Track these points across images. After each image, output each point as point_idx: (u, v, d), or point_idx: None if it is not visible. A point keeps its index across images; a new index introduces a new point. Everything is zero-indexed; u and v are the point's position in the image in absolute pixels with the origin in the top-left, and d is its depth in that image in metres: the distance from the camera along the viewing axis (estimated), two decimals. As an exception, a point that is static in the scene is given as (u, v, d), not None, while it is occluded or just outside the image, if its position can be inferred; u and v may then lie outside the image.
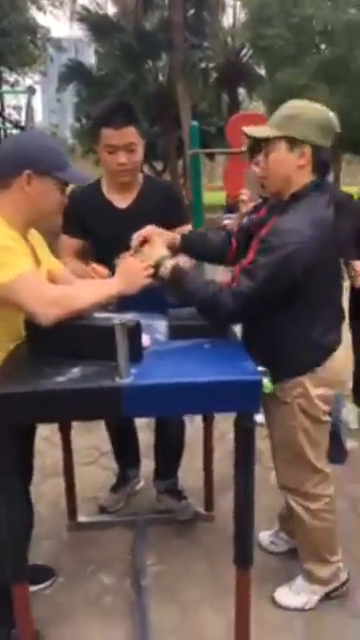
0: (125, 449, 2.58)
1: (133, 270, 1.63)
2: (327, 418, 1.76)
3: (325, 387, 1.72)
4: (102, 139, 1.98)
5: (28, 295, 1.44)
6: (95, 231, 2.11)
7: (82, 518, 2.46)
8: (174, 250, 1.79)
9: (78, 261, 2.20)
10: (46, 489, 2.64)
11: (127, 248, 1.77)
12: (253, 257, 1.56)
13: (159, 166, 20.00)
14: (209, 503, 2.46)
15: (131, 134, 1.96)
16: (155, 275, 1.64)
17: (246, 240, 1.77)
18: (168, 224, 2.13)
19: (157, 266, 1.64)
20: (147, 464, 2.61)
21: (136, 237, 1.76)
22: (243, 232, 1.87)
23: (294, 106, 1.58)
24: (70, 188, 1.83)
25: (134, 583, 2.08)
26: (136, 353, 1.44)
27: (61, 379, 1.36)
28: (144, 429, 2.70)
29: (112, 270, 1.77)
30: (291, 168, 1.58)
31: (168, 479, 2.48)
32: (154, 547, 2.27)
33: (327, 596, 1.96)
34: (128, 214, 2.10)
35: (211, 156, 16.73)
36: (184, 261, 1.77)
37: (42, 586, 2.05)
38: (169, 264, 1.65)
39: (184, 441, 2.43)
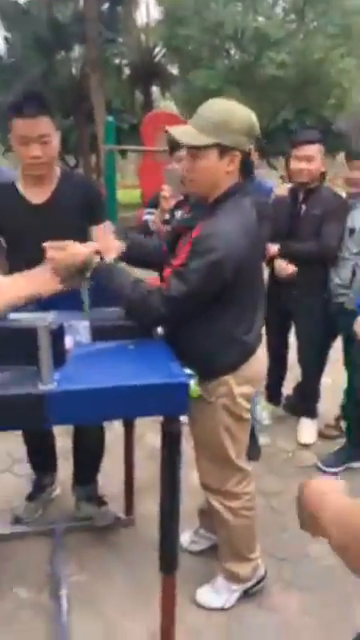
0: (41, 455, 2.47)
1: (52, 271, 1.55)
2: (248, 416, 1.79)
3: (247, 385, 1.74)
4: (14, 130, 1.86)
5: None
6: (7, 227, 2.00)
7: (-4, 530, 2.32)
8: (117, 259, 1.74)
9: None
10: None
11: (43, 245, 1.67)
12: (184, 260, 1.54)
13: (72, 161, 19.53)
14: (129, 507, 2.41)
15: (44, 124, 1.85)
16: (81, 274, 1.57)
17: (173, 240, 1.75)
18: (86, 220, 2.07)
19: (85, 266, 1.56)
20: (64, 470, 2.51)
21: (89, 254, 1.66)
22: (169, 232, 1.85)
23: (223, 110, 1.55)
24: None
25: (53, 595, 2.00)
26: (59, 357, 1.36)
27: (-23, 386, 1.26)
28: (61, 433, 2.61)
29: (25, 269, 1.66)
30: (220, 174, 1.58)
31: (88, 485, 2.41)
32: (73, 556, 2.19)
33: (246, 593, 2.00)
34: (43, 210, 2.00)
35: (123, 153, 16.62)
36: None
37: None
38: (95, 262, 1.58)
39: (104, 445, 2.37)
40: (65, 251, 1.55)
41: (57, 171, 2.06)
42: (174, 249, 1.71)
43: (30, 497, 2.46)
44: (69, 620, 1.88)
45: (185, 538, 2.24)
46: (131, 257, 1.82)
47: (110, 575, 2.12)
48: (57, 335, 1.36)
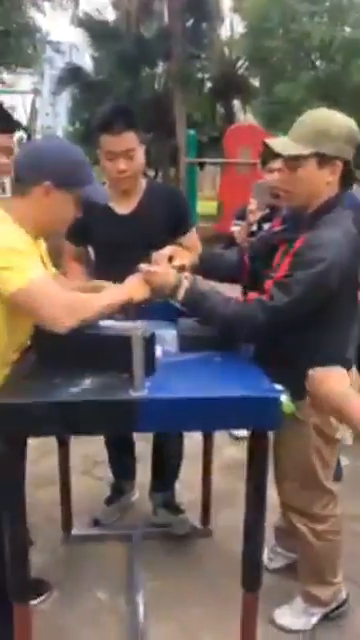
0: (122, 460, 2.52)
1: (148, 280, 1.60)
2: (339, 437, 1.73)
3: None
4: (102, 146, 1.94)
5: (44, 300, 1.39)
6: (96, 238, 2.07)
7: (76, 531, 2.39)
8: (192, 272, 1.76)
9: (80, 266, 2.16)
10: (38, 499, 2.57)
11: (130, 255, 1.71)
12: (287, 271, 1.52)
13: (151, 173, 20.02)
14: (206, 518, 2.41)
15: (130, 140, 1.91)
16: (171, 296, 1.61)
17: (265, 252, 1.74)
18: (173, 230, 2.10)
19: (175, 287, 1.59)
20: (143, 476, 2.55)
21: (160, 256, 1.71)
22: (261, 244, 1.84)
23: (321, 118, 1.53)
24: None
25: (129, 600, 2.03)
26: (150, 365, 1.39)
27: (75, 390, 1.31)
28: (140, 440, 2.65)
29: (113, 279, 1.72)
30: (320, 185, 1.55)
31: (165, 492, 2.43)
32: (150, 563, 2.22)
33: (326, 616, 1.93)
34: (130, 220, 2.06)
35: (201, 166, 16.81)
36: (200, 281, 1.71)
37: (37, 601, 1.97)
38: (186, 284, 1.60)
39: (182, 454, 2.38)
40: (157, 271, 1.60)
41: (143, 183, 2.12)
42: (267, 263, 1.69)
43: (109, 501, 2.52)
44: (145, 625, 1.89)
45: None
46: (204, 269, 1.81)
47: (186, 584, 2.12)
48: (149, 343, 1.39)
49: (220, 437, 2.54)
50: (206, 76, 17.68)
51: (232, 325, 1.57)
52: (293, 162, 1.54)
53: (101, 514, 2.47)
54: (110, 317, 1.80)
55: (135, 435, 2.54)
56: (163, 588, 2.10)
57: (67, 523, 2.36)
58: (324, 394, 1.12)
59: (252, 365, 1.52)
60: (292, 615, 1.92)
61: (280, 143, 1.55)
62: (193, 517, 2.42)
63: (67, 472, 2.32)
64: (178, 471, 2.40)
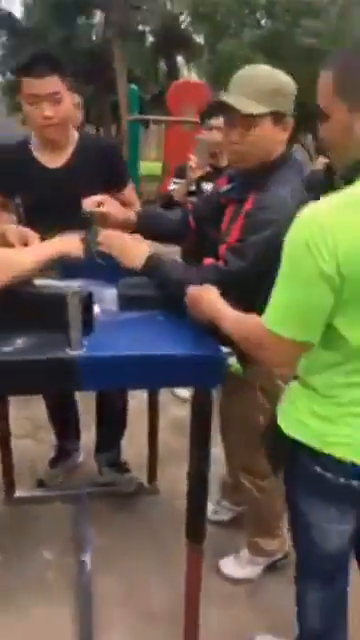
0: (65, 421, 2.49)
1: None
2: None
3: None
4: (23, 89, 1.79)
5: None
6: (23, 192, 1.94)
7: (19, 493, 2.37)
8: (129, 229, 1.70)
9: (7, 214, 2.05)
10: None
11: (60, 211, 1.66)
12: (240, 235, 1.48)
13: (92, 131, 19.34)
14: (152, 476, 2.44)
15: (54, 83, 1.78)
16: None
17: (212, 213, 1.68)
18: (107, 186, 2.02)
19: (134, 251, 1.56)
20: (88, 439, 2.54)
21: (90, 203, 1.64)
22: (206, 205, 1.78)
23: (273, 76, 1.46)
24: None
25: (77, 558, 2.04)
26: (87, 324, 1.35)
27: (7, 349, 1.26)
28: (84, 401, 2.63)
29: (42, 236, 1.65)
30: (275, 142, 1.51)
31: (110, 451, 2.43)
32: (97, 521, 2.23)
33: (273, 566, 2.01)
34: (60, 174, 1.94)
35: (146, 125, 16.38)
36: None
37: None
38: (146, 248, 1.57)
39: (127, 411, 2.38)
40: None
41: (75, 135, 2.00)
42: (215, 224, 1.64)
43: (52, 463, 2.50)
44: (93, 581, 1.92)
45: (208, 508, 2.27)
46: (141, 226, 1.76)
47: (133, 541, 2.15)
48: (86, 302, 1.34)
49: (165, 397, 2.55)
50: (147, 29, 17.05)
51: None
52: (249, 120, 1.45)
53: (45, 475, 2.45)
54: (46, 277, 1.74)
55: (78, 396, 2.52)
56: (110, 544, 2.13)
57: (9, 486, 2.33)
58: (202, 308, 1.36)
59: (194, 325, 1.51)
60: (237, 565, 1.99)
61: (236, 101, 1.48)
62: (140, 476, 2.45)
63: (7, 434, 2.27)
64: (123, 430, 2.40)
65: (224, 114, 1.53)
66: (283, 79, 1.48)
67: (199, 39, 16.65)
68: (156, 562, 2.03)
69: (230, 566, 1.99)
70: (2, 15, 16.65)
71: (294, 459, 1.22)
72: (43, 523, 2.24)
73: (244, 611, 1.87)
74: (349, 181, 1.08)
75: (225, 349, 1.42)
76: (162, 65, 18.56)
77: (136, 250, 1.57)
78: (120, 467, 2.42)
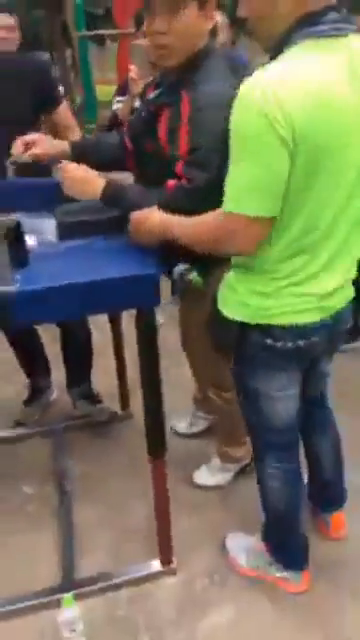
0: (32, 360, 2.49)
1: None
2: None
3: None
4: None
5: None
6: None
7: (-3, 433, 2.41)
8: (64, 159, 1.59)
9: None
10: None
11: None
12: (189, 144, 1.37)
13: (45, 57, 18.16)
14: (125, 403, 2.48)
15: None
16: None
17: (145, 125, 1.54)
18: (38, 107, 1.89)
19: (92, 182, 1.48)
20: (59, 373, 2.55)
21: (19, 144, 1.55)
22: (137, 119, 1.64)
23: None
24: None
25: (57, 488, 2.10)
26: (19, 257, 1.31)
27: None
28: (50, 338, 2.62)
29: None
30: (200, 32, 1.38)
31: (81, 384, 2.45)
32: (75, 452, 2.29)
33: (242, 471, 2.09)
34: None
35: (102, 43, 15.29)
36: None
37: None
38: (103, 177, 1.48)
39: (91, 343, 2.38)
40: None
41: None
42: (151, 136, 1.50)
43: (27, 402, 2.52)
44: (73, 508, 1.99)
45: (182, 425, 2.33)
46: (77, 159, 1.61)
47: (111, 466, 2.22)
48: (14, 234, 1.29)
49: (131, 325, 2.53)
50: None
51: None
52: (173, 6, 1.32)
53: (21, 415, 2.48)
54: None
55: (43, 333, 2.50)
56: (89, 472, 2.19)
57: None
58: (147, 229, 1.37)
59: (137, 246, 1.47)
60: (209, 473, 2.07)
61: None
62: (113, 405, 2.48)
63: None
64: (90, 362, 2.41)
65: (149, 3, 1.39)
66: None
67: None
68: (133, 483, 2.10)
69: (203, 476, 2.07)
70: None
71: (243, 339, 1.32)
72: (22, 460, 2.29)
73: (216, 514, 1.97)
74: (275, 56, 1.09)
75: (182, 265, 1.40)
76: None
77: (93, 181, 1.48)
78: (93, 399, 2.45)
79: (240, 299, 1.29)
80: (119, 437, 2.38)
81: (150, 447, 1.53)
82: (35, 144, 1.58)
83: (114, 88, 3.14)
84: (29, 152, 1.56)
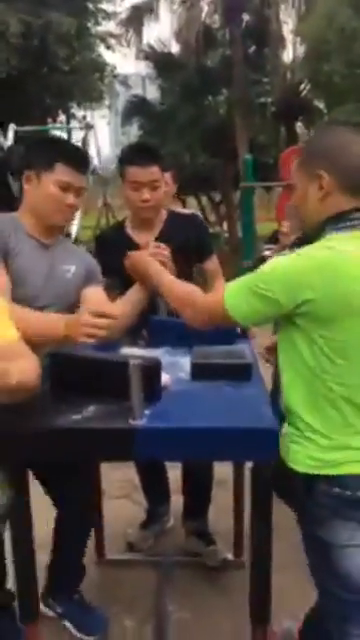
0: (154, 485, 2.54)
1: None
2: None
3: None
4: (127, 176, 2.03)
5: None
6: (116, 268, 2.05)
7: (110, 555, 2.42)
8: None
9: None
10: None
11: None
12: None
13: (217, 197, 20.22)
14: (239, 549, 2.36)
15: (155, 172, 2.01)
16: None
17: None
18: (193, 256, 2.14)
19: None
20: (178, 502, 2.55)
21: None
22: None
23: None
24: (99, 230, 1.90)
25: (155, 629, 2.01)
26: (154, 393, 1.41)
27: (76, 418, 1.36)
28: (175, 466, 2.65)
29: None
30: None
31: (197, 519, 2.41)
32: (179, 592, 2.19)
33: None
34: None
35: (268, 188, 16.73)
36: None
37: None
38: None
39: (212, 480, 2.36)
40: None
41: (164, 214, 2.18)
42: None
43: (143, 525, 2.53)
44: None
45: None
46: None
47: (213, 617, 2.08)
48: (153, 372, 1.41)
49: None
50: (269, 100, 17.75)
51: None
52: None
53: (135, 538, 2.48)
54: (134, 344, 1.86)
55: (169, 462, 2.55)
56: (190, 619, 2.07)
57: (100, 547, 2.39)
58: (143, 270, 1.77)
59: (262, 394, 1.51)
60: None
61: None
62: (226, 547, 2.38)
63: (99, 497, 2.35)
64: (208, 499, 2.38)
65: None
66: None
67: (320, 104, 16.94)
68: (234, 644, 1.93)
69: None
70: (138, 101, 18.46)
71: (310, 490, 1.30)
72: (129, 588, 2.26)
73: None
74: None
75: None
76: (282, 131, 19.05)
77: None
78: (206, 537, 2.38)
79: (308, 454, 1.29)
80: (227, 587, 2.24)
81: (252, 610, 1.43)
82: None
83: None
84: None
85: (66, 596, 2.02)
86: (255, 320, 1.36)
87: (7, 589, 1.82)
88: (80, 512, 1.93)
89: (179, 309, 1.55)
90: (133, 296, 1.84)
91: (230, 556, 2.36)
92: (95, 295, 1.81)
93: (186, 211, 2.85)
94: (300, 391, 1.30)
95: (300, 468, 1.30)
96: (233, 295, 1.35)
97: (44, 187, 1.65)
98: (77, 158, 1.69)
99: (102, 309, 1.55)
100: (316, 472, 1.27)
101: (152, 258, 1.76)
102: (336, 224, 1.30)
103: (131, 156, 2.05)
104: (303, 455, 1.29)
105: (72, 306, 1.77)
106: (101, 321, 1.48)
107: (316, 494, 1.29)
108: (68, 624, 2.00)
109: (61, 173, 1.65)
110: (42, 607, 1.97)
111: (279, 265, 1.31)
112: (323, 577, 1.37)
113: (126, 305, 1.83)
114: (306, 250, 1.29)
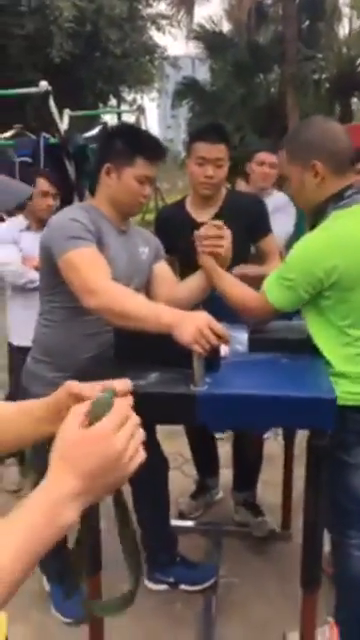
0: (204, 458, 2.61)
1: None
2: None
3: None
4: (194, 152, 2.07)
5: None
6: (176, 245, 2.13)
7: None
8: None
9: None
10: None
11: None
12: None
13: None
14: (286, 521, 2.41)
15: (221, 150, 2.05)
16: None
17: None
18: (250, 237, 2.16)
19: None
20: (227, 476, 2.61)
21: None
22: None
23: None
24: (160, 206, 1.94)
25: (203, 594, 2.10)
26: (213, 363, 1.46)
27: (141, 383, 1.43)
28: (226, 441, 2.72)
29: None
30: None
31: (245, 491, 2.47)
32: (227, 559, 2.27)
33: None
34: None
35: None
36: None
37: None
38: None
39: (262, 454, 2.42)
40: None
41: (223, 192, 2.20)
42: None
43: (193, 496, 2.62)
44: (216, 619, 1.96)
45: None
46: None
47: (260, 585, 2.15)
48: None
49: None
50: (323, 76, 17.22)
51: None
52: None
53: (186, 507, 2.57)
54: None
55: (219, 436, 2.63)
56: (237, 586, 2.15)
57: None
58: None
59: (319, 366, 1.54)
60: None
61: None
62: (274, 520, 2.43)
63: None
64: (258, 471, 2.44)
65: None
66: None
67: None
68: (278, 610, 1.99)
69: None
70: (188, 82, 18.30)
71: (343, 421, 1.46)
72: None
73: None
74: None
75: None
76: (338, 108, 18.48)
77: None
78: (254, 509, 2.44)
79: (337, 388, 1.41)
80: (273, 557, 2.30)
81: (303, 577, 1.47)
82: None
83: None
84: None
85: (168, 562, 2.12)
86: (301, 303, 1.56)
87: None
88: (150, 477, 1.99)
89: (236, 310, 1.71)
90: (194, 282, 1.84)
91: (277, 528, 2.41)
92: (163, 271, 1.92)
93: (246, 190, 2.86)
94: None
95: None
96: (271, 290, 1.57)
97: (125, 181, 1.68)
98: (156, 151, 1.73)
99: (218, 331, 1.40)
100: (347, 403, 1.49)
101: (206, 255, 1.75)
102: (336, 202, 1.53)
103: (201, 132, 2.10)
104: (337, 390, 1.40)
105: (145, 282, 1.89)
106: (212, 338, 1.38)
107: (346, 421, 1.50)
108: (184, 586, 2.11)
109: (142, 168, 1.69)
110: (152, 585, 2.12)
111: (297, 250, 1.54)
112: (335, 492, 1.61)
113: (185, 292, 1.85)
114: (317, 229, 1.51)
